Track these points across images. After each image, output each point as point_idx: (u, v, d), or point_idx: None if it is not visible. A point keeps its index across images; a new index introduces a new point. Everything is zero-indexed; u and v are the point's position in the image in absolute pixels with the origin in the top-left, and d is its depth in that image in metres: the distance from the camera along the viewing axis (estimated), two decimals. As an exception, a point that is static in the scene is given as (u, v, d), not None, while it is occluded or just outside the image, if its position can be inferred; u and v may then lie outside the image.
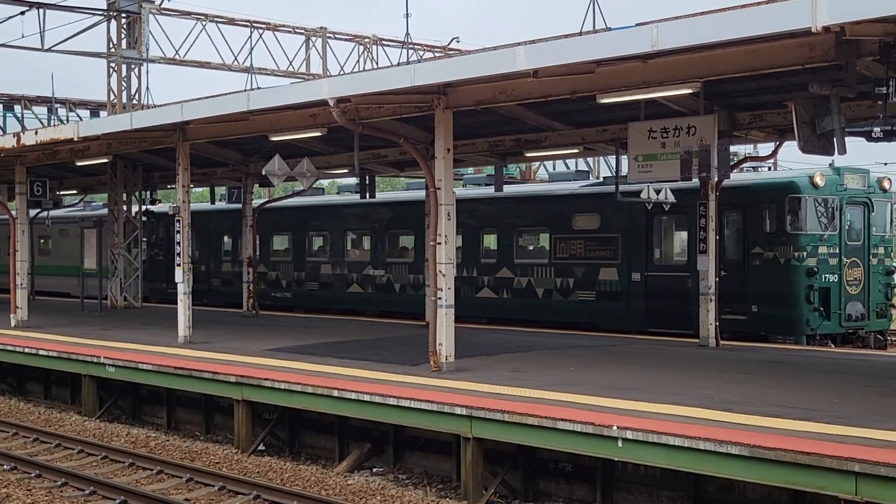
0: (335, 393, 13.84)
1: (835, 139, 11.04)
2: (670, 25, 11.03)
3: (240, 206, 28.12)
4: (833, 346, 20.63)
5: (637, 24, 11.49)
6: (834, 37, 10.49)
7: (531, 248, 26.08)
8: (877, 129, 10.58)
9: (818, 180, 20.98)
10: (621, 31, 11.64)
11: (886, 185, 22.43)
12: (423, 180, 31.94)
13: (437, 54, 37.95)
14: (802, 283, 20.51)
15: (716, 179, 17.22)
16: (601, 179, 26.39)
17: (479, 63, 13.47)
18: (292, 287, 31.19)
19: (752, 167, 23.18)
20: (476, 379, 14.19)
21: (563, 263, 24.00)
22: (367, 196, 25.82)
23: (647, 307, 22.18)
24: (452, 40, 40.00)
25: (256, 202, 29.15)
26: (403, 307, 27.05)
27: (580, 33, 12.98)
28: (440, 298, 15.01)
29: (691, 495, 11.57)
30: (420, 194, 27.99)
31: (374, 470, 14.37)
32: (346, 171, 25.05)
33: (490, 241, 26.23)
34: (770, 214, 20.91)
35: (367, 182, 25.61)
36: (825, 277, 20.84)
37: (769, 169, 23.16)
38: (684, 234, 22.45)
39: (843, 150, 11.14)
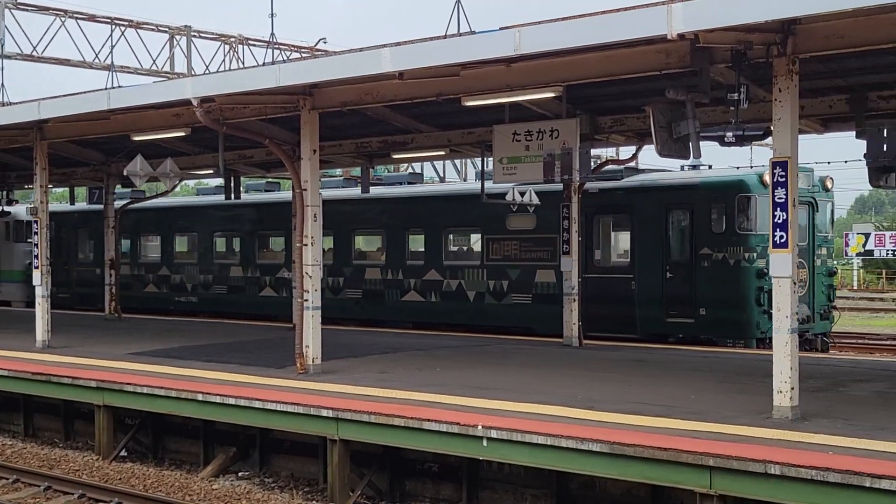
0: (199, 397, 13.64)
1: (690, 143, 11.37)
2: (532, 30, 11.20)
3: (140, 204, 27.22)
4: None
5: (500, 29, 11.63)
6: (689, 44, 10.80)
7: (461, 249, 25.09)
8: (729, 133, 10.95)
9: (768, 179, 20.51)
10: (485, 34, 11.77)
11: (829, 184, 21.78)
12: (354, 177, 31.10)
13: (303, 55, 37.69)
14: (753, 286, 19.83)
15: (578, 182, 17.52)
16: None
17: (345, 64, 13.45)
18: (198, 291, 29.54)
19: (693, 165, 22.21)
20: (343, 381, 14.16)
21: (496, 265, 23.01)
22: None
23: (587, 310, 20.47)
24: (319, 41, 39.79)
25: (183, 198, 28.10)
26: (322, 312, 26.19)
27: (445, 36, 13.06)
28: (307, 300, 14.93)
29: (554, 492, 11.76)
30: (336, 192, 26.73)
31: (240, 474, 14.21)
32: (211, 171, 24.70)
33: (416, 241, 25.13)
34: (719, 214, 20.26)
35: (233, 183, 25.26)
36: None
37: (709, 168, 22.30)
38: (626, 235, 21.82)
39: (697, 154, 11.49)
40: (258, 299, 27.93)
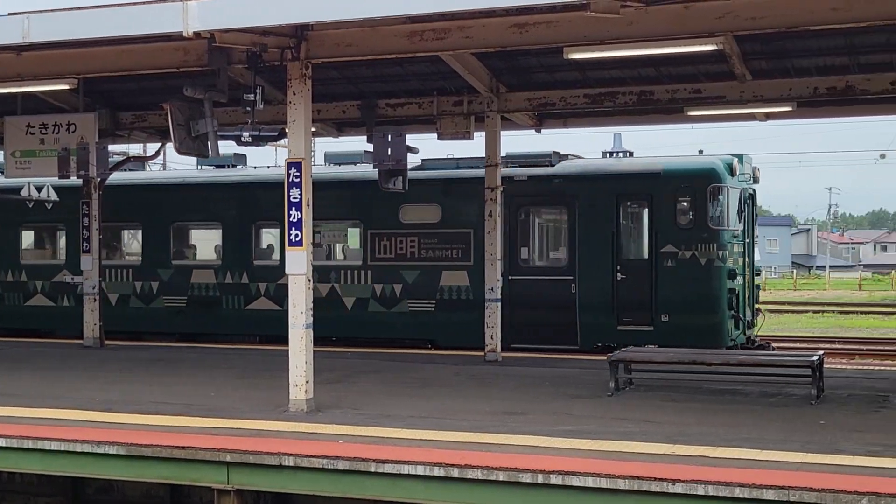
0: None
1: (209, 142, 11.44)
2: (43, 18, 10.73)
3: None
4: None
5: (9, 14, 11.06)
6: (206, 43, 10.88)
7: (335, 246, 20.97)
8: (245, 133, 11.16)
9: (737, 167, 18.22)
10: (-9, 19, 11.12)
11: (758, 174, 19.84)
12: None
13: None
14: (725, 287, 17.71)
15: (98, 178, 17.03)
16: (421, 162, 20.07)
17: None
18: None
19: (611, 152, 19.73)
20: None
21: (385, 266, 19.26)
22: None
23: (512, 318, 17.92)
24: None
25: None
26: (121, 323, 20.25)
27: (-57, 18, 12.17)
28: None
29: (70, 499, 11.36)
30: (154, 175, 22.68)
31: None
32: None
33: (269, 237, 21.11)
34: (687, 206, 17.77)
35: None
36: (737, 280, 18.24)
37: (631, 155, 19.84)
38: (563, 230, 18.93)
39: (216, 153, 11.59)
40: (24, 310, 21.94)
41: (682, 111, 15.70)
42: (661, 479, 8.00)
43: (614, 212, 18.05)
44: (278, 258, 19.95)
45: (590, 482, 8.20)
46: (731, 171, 18.01)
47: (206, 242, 21.83)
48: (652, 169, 18.20)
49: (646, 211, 18.06)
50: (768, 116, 16.15)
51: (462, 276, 18.73)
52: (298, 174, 10.99)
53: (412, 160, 19.19)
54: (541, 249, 19.52)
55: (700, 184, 17.69)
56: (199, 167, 21.82)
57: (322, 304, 18.41)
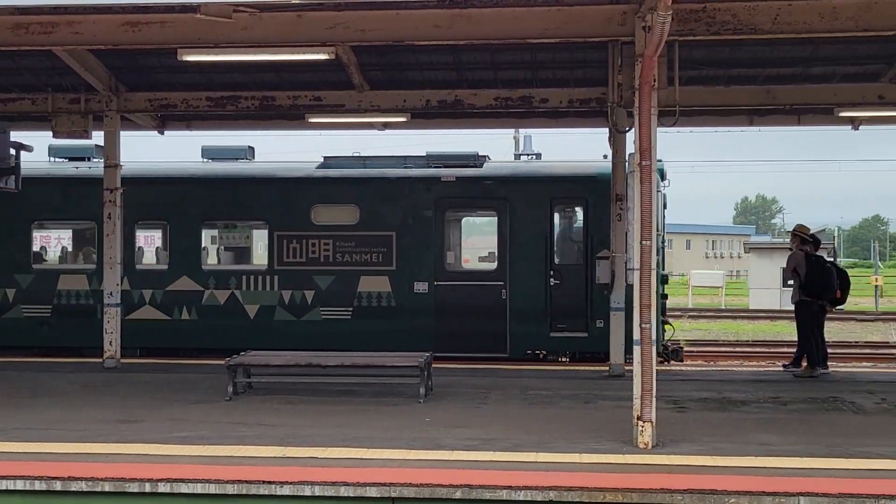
0: None
1: None
2: None
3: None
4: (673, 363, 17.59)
5: None
6: None
7: (235, 249, 18.79)
8: None
9: (666, 171, 17.71)
10: None
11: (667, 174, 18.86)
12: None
13: None
14: (659, 293, 16.58)
15: None
16: (323, 160, 18.84)
17: None
18: None
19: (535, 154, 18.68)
20: None
21: (294, 271, 17.71)
22: None
23: (437, 326, 17.27)
24: None
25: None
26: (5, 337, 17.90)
27: None
28: None
29: None
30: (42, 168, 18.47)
31: None
32: None
33: (154, 238, 18.91)
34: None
35: None
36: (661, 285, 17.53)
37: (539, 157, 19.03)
38: (492, 233, 17.87)
39: None
40: None
41: (304, 118, 15.96)
42: (269, 482, 8.12)
43: (548, 215, 17.51)
44: (166, 263, 18.39)
45: (198, 488, 8.19)
46: (663, 176, 17.67)
47: (76, 244, 19.45)
48: (587, 172, 17.69)
49: (580, 214, 17.60)
50: (386, 126, 16.79)
51: (383, 281, 17.71)
52: None
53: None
54: (468, 254, 18.89)
55: None
56: (52, 159, 19.17)
57: (221, 314, 17.72)
